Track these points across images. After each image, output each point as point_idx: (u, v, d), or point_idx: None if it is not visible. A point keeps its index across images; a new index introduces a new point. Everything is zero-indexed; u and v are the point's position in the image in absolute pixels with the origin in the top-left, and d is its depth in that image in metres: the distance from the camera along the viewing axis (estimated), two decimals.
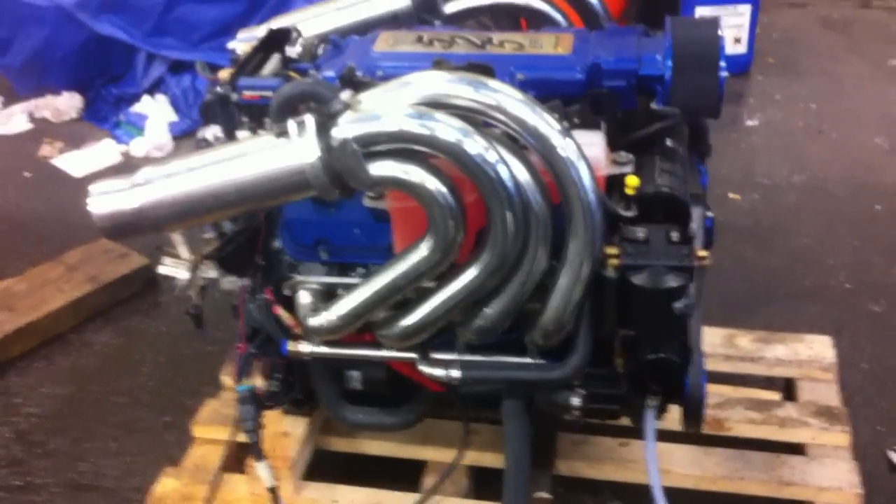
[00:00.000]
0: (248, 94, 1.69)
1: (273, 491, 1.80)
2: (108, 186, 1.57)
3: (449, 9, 2.04)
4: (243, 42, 2.07)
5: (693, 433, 1.72)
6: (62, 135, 3.89)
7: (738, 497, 2.02)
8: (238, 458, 2.08)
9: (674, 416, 1.70)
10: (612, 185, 1.55)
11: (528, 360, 1.66)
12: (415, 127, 1.40)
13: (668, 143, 1.63)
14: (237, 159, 1.50)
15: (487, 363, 1.67)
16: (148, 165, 1.57)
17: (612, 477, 2.05)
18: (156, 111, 3.79)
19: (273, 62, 1.84)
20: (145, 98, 3.87)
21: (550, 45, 1.71)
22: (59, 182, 3.60)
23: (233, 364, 1.86)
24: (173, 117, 3.79)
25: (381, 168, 1.43)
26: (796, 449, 2.10)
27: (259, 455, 1.78)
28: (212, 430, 2.17)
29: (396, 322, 1.62)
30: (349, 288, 1.64)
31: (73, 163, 3.70)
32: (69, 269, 2.84)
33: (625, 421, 1.81)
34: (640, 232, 1.52)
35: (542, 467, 1.94)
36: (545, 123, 1.43)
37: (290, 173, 1.45)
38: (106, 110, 3.94)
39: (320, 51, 1.84)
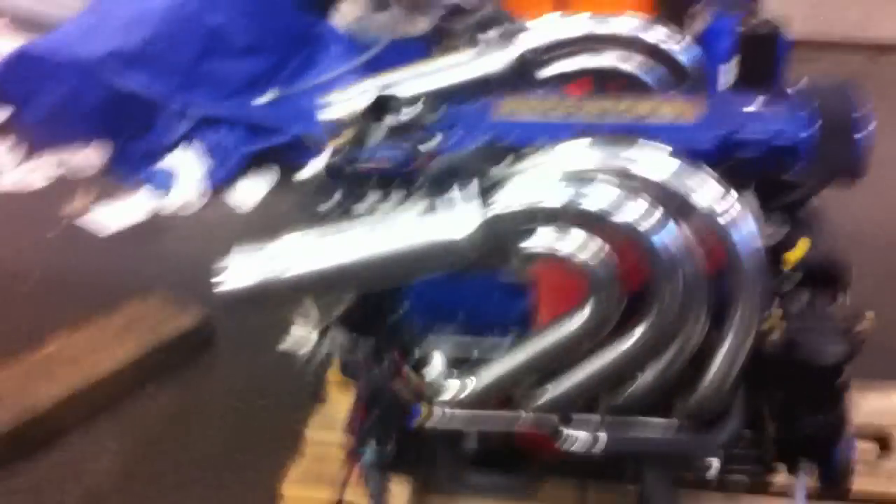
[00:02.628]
0: (365, 166, 1.67)
1: None
2: (240, 259, 1.53)
3: (542, 74, 2.03)
4: (334, 106, 2.07)
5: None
6: (85, 192, 3.81)
7: None
8: None
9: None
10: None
11: (676, 423, 1.63)
12: (574, 198, 1.38)
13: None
14: (388, 232, 1.47)
15: (635, 424, 1.64)
16: (281, 237, 1.55)
17: None
18: (184, 168, 3.74)
19: (380, 129, 1.82)
20: (172, 153, 3.82)
21: (675, 113, 1.70)
22: (85, 242, 3.52)
23: (349, 428, 1.81)
24: (201, 174, 3.74)
25: (539, 239, 1.41)
26: None
27: None
28: (305, 488, 2.12)
29: (542, 390, 1.59)
30: (491, 355, 1.61)
31: (98, 221, 3.62)
32: (123, 328, 2.76)
33: None
34: (803, 298, 1.51)
35: None
36: (709, 189, 1.42)
37: (446, 246, 1.42)
38: (131, 166, 3.88)
39: (430, 118, 1.81)
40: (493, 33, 2.01)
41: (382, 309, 1.72)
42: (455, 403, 1.68)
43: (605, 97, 1.82)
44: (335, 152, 1.73)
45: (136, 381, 2.66)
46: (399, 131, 1.75)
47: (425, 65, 2.08)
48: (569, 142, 1.47)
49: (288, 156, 3.74)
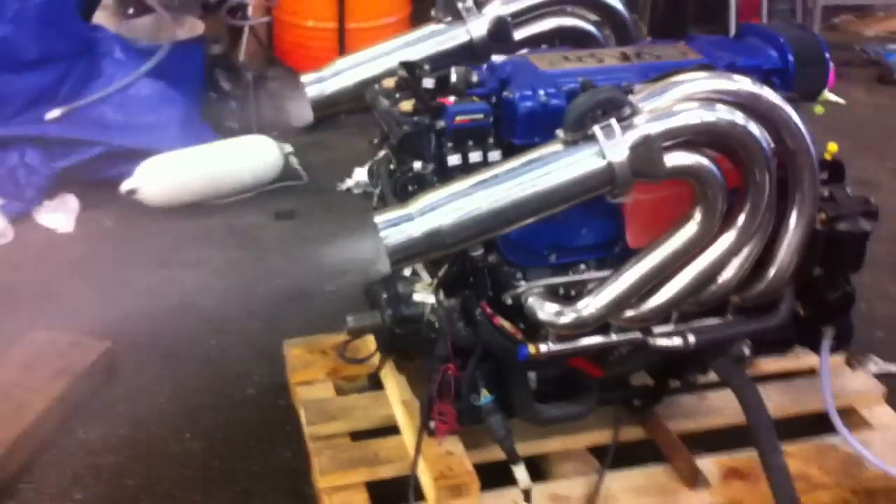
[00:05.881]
0: (459, 118, 1.77)
1: (527, 493, 1.85)
2: (392, 219, 1.58)
3: (517, 36, 2.22)
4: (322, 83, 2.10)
5: None
6: None
7: None
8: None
9: None
10: None
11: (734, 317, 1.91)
12: (703, 117, 1.62)
13: None
14: (537, 170, 1.60)
15: (715, 326, 1.90)
16: (424, 194, 1.61)
17: (708, 426, 2.33)
18: None
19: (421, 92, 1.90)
20: None
21: (680, 53, 1.99)
22: None
23: (435, 386, 1.87)
24: None
25: (674, 159, 1.63)
26: None
27: (516, 458, 1.83)
28: (342, 476, 2.13)
29: (645, 303, 1.79)
30: (604, 280, 1.78)
31: None
32: (25, 369, 2.50)
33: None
34: (825, 191, 1.86)
35: None
36: (778, 99, 1.72)
37: (597, 174, 1.59)
38: None
39: (474, 77, 1.93)
40: (467, 2, 2.15)
41: (466, 268, 1.82)
42: (560, 336, 1.83)
43: (606, 50, 2.06)
44: (407, 117, 1.80)
45: (59, 421, 2.43)
46: (440, 93, 1.85)
47: (406, 36, 2.16)
48: (685, 74, 1.68)
49: (97, 168, 3.52)
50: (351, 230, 3.38)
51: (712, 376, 2.10)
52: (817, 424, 2.25)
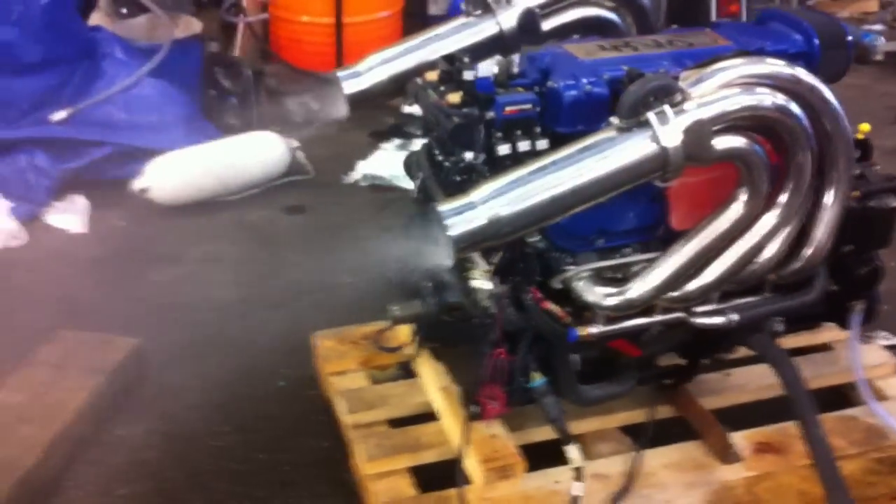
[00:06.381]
0: (510, 108, 1.81)
1: (578, 471, 1.91)
2: (455, 207, 1.62)
3: (544, 27, 2.27)
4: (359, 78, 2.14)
5: None
6: None
7: None
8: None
9: None
10: None
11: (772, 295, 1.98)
12: (750, 101, 1.68)
13: None
14: (594, 156, 1.65)
15: (755, 303, 1.97)
16: (484, 182, 1.66)
17: (734, 402, 2.40)
18: None
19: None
20: None
21: (710, 40, 2.05)
22: None
23: (490, 371, 1.92)
24: (8, 203, 3.37)
25: (723, 142, 1.69)
26: None
27: (568, 438, 1.89)
28: (387, 462, 2.19)
29: (690, 284, 1.85)
30: (652, 262, 1.84)
31: None
32: (56, 368, 2.51)
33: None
34: (856, 170, 1.93)
35: None
36: (815, 80, 1.78)
37: (652, 158, 1.65)
38: None
39: (515, 69, 1.98)
40: None
41: (516, 254, 1.87)
42: (608, 318, 1.89)
43: (639, 38, 2.11)
44: (454, 109, 1.84)
45: (96, 419, 2.45)
46: (511, 81, 1.90)
47: (437, 29, 2.20)
48: (726, 61, 1.74)
49: (104, 169, 3.52)
50: (361, 222, 3.45)
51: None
52: (829, 398, 2.34)
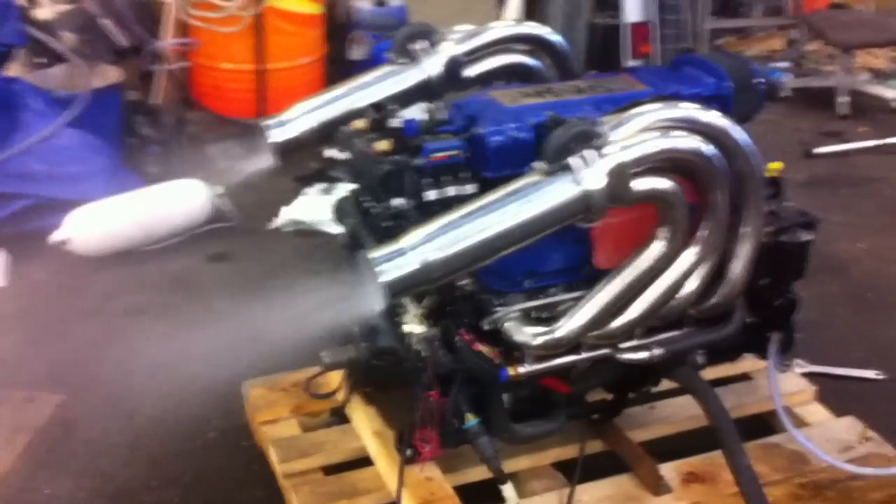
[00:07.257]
0: (437, 155, 1.85)
1: None
2: (385, 254, 1.65)
3: (467, 73, 2.32)
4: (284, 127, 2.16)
5: None
6: None
7: None
8: None
9: None
10: None
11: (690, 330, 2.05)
12: (669, 144, 1.75)
13: None
14: (520, 200, 1.70)
15: (677, 337, 2.03)
16: (413, 228, 1.69)
17: (660, 434, 2.45)
18: None
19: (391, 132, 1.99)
20: None
21: (628, 85, 2.13)
22: None
23: (423, 414, 1.94)
24: None
25: (643, 184, 1.75)
26: None
27: (504, 477, 1.91)
28: None
29: (613, 322, 1.91)
30: (577, 301, 1.89)
31: None
32: None
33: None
34: (770, 206, 2.02)
35: None
36: (728, 122, 1.86)
37: (576, 201, 1.70)
38: None
39: (440, 115, 2.02)
40: (420, 44, 2.25)
41: (446, 297, 1.90)
42: (537, 356, 1.93)
43: (560, 84, 2.17)
44: (383, 156, 1.88)
45: (21, 478, 2.39)
46: (435, 128, 1.94)
47: (363, 77, 2.24)
48: (643, 106, 1.81)
49: (23, 221, 3.46)
50: (286, 268, 3.44)
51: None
52: (752, 426, 2.42)
